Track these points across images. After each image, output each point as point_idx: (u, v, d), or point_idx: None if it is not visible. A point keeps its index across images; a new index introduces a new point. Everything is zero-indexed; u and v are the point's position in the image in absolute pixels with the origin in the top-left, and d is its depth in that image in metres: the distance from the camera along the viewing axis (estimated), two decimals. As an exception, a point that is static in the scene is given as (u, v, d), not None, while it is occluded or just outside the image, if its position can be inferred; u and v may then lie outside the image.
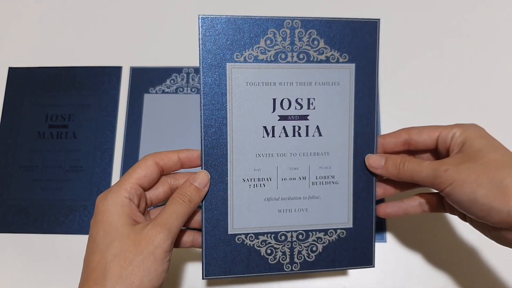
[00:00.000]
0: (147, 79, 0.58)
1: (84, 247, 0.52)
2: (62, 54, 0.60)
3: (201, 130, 0.38)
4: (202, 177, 0.37)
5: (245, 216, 0.38)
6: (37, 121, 0.56)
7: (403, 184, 0.41)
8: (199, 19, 0.37)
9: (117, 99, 0.57)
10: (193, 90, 0.57)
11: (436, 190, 0.37)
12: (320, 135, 0.39)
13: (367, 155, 0.39)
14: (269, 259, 0.39)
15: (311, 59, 0.38)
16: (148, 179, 0.37)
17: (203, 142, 0.38)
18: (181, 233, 0.39)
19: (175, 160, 0.38)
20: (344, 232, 0.40)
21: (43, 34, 0.61)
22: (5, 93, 0.58)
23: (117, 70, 0.58)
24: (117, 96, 0.57)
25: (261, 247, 0.39)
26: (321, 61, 0.38)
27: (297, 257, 0.39)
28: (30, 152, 0.55)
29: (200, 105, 0.37)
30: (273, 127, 0.38)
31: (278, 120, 0.38)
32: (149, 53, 0.59)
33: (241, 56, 0.37)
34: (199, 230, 0.40)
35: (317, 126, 0.39)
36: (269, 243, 0.39)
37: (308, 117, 0.39)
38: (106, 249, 0.33)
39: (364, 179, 0.40)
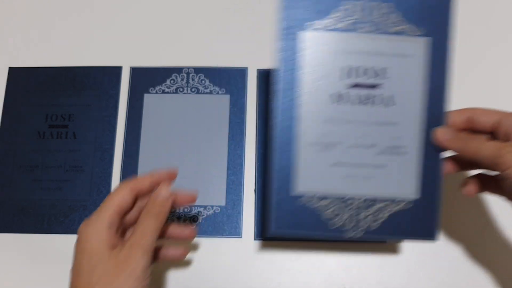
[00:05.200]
0: (147, 79, 0.58)
1: (85, 247, 0.52)
2: (62, 54, 0.60)
3: (275, 94, 0.39)
4: (163, 191, 0.40)
5: (311, 179, 0.39)
6: (37, 121, 0.56)
7: (467, 163, 0.41)
8: None
9: (117, 99, 0.57)
10: (193, 90, 0.57)
11: (495, 171, 0.37)
12: (390, 105, 0.39)
13: (435, 129, 0.39)
14: (331, 223, 0.39)
15: (387, 30, 0.39)
16: (125, 205, 0.39)
17: (277, 103, 0.39)
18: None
19: (148, 185, 0.41)
20: (410, 203, 0.39)
21: (43, 34, 0.61)
22: (5, 93, 0.58)
23: (117, 70, 0.58)
24: (117, 96, 0.57)
25: (324, 210, 0.39)
26: (396, 33, 0.39)
27: (361, 224, 0.39)
28: (30, 152, 0.55)
29: (276, 70, 0.39)
30: (343, 94, 0.39)
31: (349, 87, 0.39)
32: (149, 53, 0.59)
33: (316, 24, 0.38)
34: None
35: (388, 96, 0.39)
36: (333, 207, 0.39)
37: (379, 87, 0.39)
38: (91, 272, 0.36)
39: (433, 153, 0.39)
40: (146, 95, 0.57)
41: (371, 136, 0.39)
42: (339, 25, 0.39)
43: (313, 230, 0.39)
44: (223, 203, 0.53)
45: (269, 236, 0.39)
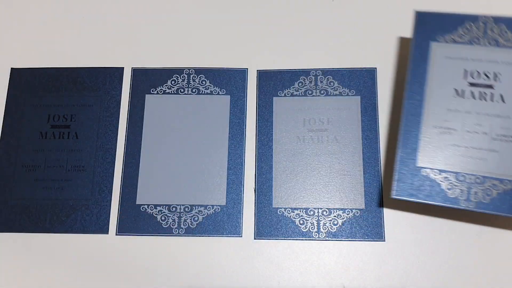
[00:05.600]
0: (149, 80, 0.58)
1: (86, 246, 0.53)
2: (64, 55, 0.60)
3: (406, 87, 0.49)
4: None
5: (432, 154, 0.47)
6: (39, 122, 0.57)
7: None
8: (415, 13, 0.51)
9: (119, 99, 0.58)
10: (193, 91, 0.58)
11: None
12: (503, 101, 0.48)
13: None
14: (448, 193, 0.46)
15: (499, 44, 0.49)
16: None
17: (406, 93, 0.49)
18: None
19: None
20: None
21: (45, 34, 0.61)
22: (8, 93, 0.58)
23: (118, 71, 0.59)
24: (119, 97, 0.58)
25: (443, 182, 0.47)
26: (507, 47, 0.49)
27: (473, 197, 0.46)
28: (32, 152, 0.56)
29: (408, 70, 0.49)
30: (463, 90, 0.49)
31: (468, 85, 0.49)
32: (151, 54, 0.60)
33: (442, 38, 0.50)
34: None
35: (501, 94, 0.48)
36: (450, 180, 0.47)
37: (493, 87, 0.48)
38: None
39: None
40: (147, 96, 0.58)
41: (485, 125, 0.48)
42: (462, 39, 0.50)
43: (431, 198, 0.47)
44: (223, 202, 0.54)
45: (393, 197, 0.46)
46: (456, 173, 0.47)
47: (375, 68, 0.57)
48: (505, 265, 0.51)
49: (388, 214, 0.53)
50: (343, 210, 0.53)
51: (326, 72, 0.58)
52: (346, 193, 0.53)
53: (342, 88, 0.57)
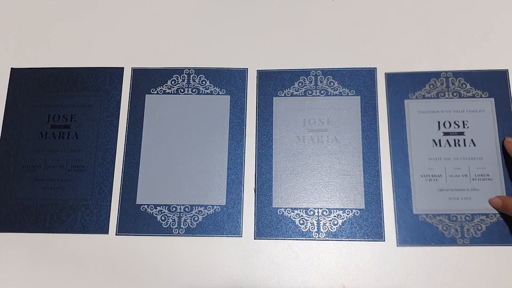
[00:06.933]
0: (149, 80, 0.58)
1: (86, 246, 0.53)
2: (64, 55, 0.60)
3: (389, 141, 0.55)
4: None
5: (424, 201, 0.53)
6: (39, 122, 0.57)
7: None
8: (385, 75, 0.57)
9: (119, 99, 0.58)
10: (193, 91, 0.58)
11: None
12: (474, 145, 0.54)
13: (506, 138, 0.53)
14: (445, 234, 0.52)
15: (463, 96, 0.55)
16: None
17: (391, 149, 0.54)
18: None
19: None
20: (501, 216, 0.52)
21: (45, 34, 0.61)
22: (7, 93, 0.58)
23: (118, 71, 0.59)
24: (119, 97, 0.58)
25: (438, 224, 0.52)
26: (469, 97, 0.55)
27: (466, 233, 0.51)
28: (32, 152, 0.56)
29: (388, 126, 0.55)
30: (439, 140, 0.54)
31: (443, 135, 0.54)
32: (151, 54, 0.60)
33: (414, 95, 0.56)
34: None
35: (471, 139, 0.54)
36: (444, 222, 0.52)
37: (464, 133, 0.54)
38: None
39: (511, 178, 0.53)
40: (147, 96, 0.58)
41: (464, 168, 0.53)
42: (430, 94, 0.56)
43: (433, 241, 0.51)
44: (223, 202, 0.54)
45: (399, 246, 0.51)
46: (448, 214, 0.52)
47: (375, 68, 0.57)
48: (505, 264, 0.50)
49: (388, 214, 0.53)
50: (343, 210, 0.53)
51: (326, 72, 0.58)
52: (346, 193, 0.53)
53: (342, 88, 0.57)
